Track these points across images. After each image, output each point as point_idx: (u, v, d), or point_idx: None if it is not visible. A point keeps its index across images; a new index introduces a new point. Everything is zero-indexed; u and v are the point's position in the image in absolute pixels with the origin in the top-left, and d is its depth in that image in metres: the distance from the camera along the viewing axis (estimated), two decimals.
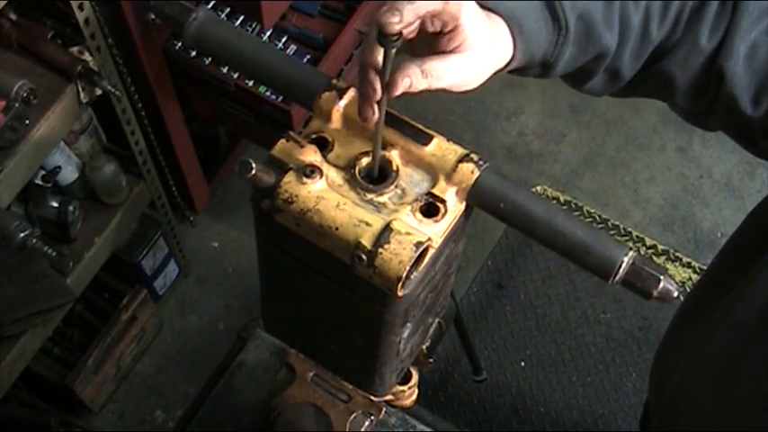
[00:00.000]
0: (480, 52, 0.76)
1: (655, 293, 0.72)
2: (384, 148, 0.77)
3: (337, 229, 0.72)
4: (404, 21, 0.69)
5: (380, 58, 0.71)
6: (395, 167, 0.77)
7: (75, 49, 1.60)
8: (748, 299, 0.94)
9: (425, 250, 0.71)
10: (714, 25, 0.87)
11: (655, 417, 1.20)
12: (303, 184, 0.73)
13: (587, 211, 2.51)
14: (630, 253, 0.72)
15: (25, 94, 1.45)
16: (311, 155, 0.75)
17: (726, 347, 0.97)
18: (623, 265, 0.72)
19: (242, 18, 1.94)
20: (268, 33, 1.97)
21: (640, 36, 0.88)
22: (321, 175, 0.74)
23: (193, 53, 1.92)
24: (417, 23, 0.73)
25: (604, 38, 0.85)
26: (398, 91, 0.72)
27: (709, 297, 1.06)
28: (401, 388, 1.13)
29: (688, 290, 2.34)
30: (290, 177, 0.74)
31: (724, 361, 0.97)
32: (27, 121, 1.50)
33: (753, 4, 0.86)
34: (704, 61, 0.88)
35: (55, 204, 1.80)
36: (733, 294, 0.97)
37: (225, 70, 1.91)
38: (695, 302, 1.14)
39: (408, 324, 0.83)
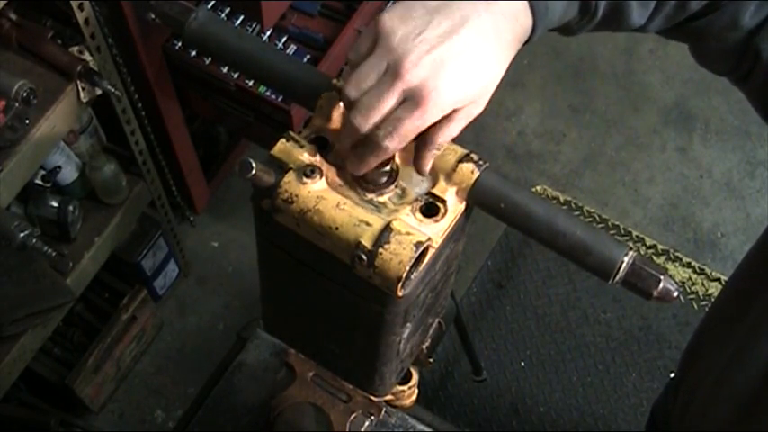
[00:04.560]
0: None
1: (655, 293, 0.71)
2: None
3: (337, 229, 0.72)
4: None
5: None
6: (395, 167, 0.77)
7: (75, 49, 1.59)
8: None
9: (425, 250, 0.71)
10: (761, 2, 0.81)
11: (678, 427, 1.18)
12: (303, 184, 0.73)
13: (587, 211, 2.51)
14: (630, 253, 0.72)
15: (25, 94, 1.45)
16: (311, 155, 0.75)
17: (748, 384, 0.95)
18: (623, 265, 0.72)
19: (242, 18, 1.94)
20: (268, 33, 1.97)
21: (676, 6, 0.81)
22: (321, 175, 0.74)
23: (193, 53, 1.92)
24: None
25: (633, 17, 0.80)
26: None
27: (730, 319, 1.03)
28: (401, 388, 1.13)
29: (688, 290, 2.34)
30: (290, 177, 0.74)
31: (748, 396, 0.95)
32: (27, 121, 1.50)
33: None
34: (742, 37, 0.83)
35: (55, 204, 1.80)
36: (751, 325, 0.94)
37: (225, 70, 1.91)
38: (716, 319, 1.11)
39: (408, 324, 0.82)
